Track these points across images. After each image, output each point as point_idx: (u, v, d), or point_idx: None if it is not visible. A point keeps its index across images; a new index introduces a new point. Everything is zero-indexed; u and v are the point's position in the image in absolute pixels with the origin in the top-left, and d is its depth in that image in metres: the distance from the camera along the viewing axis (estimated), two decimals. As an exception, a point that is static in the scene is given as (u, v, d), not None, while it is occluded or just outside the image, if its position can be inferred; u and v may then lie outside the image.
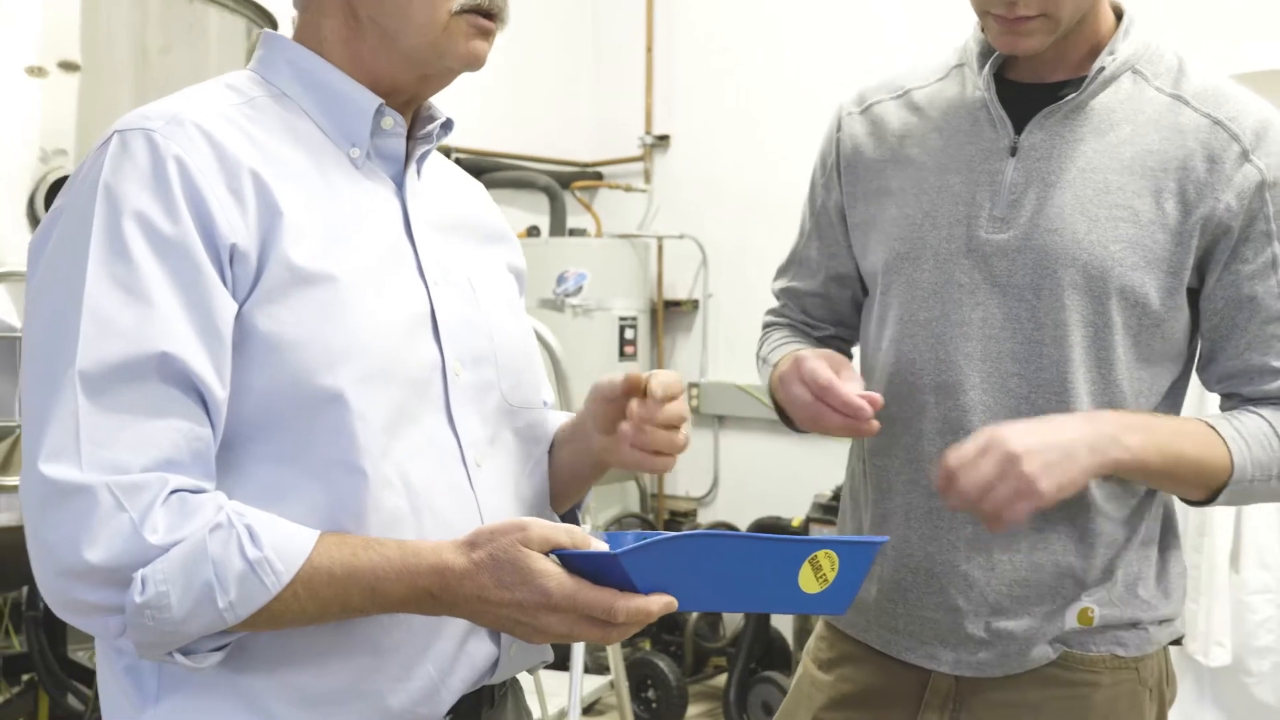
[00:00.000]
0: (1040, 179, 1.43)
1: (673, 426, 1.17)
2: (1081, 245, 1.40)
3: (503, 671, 1.20)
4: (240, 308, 1.04)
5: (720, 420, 4.64)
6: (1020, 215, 1.42)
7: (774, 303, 1.76)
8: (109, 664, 1.10)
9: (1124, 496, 1.45)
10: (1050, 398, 1.41)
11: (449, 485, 1.13)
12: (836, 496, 3.63)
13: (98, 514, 0.96)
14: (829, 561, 1.00)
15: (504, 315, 1.25)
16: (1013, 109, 1.47)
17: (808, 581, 1.00)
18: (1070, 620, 1.45)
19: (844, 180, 1.61)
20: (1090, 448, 1.31)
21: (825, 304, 1.69)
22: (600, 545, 1.00)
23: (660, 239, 4.79)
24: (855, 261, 1.61)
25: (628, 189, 4.90)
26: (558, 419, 1.36)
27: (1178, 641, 1.53)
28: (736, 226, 4.59)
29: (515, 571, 0.99)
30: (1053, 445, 1.29)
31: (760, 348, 1.72)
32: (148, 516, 0.97)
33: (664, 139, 4.89)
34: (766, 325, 1.75)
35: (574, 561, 0.98)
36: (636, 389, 1.17)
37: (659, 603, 0.98)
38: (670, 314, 4.82)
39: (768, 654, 3.88)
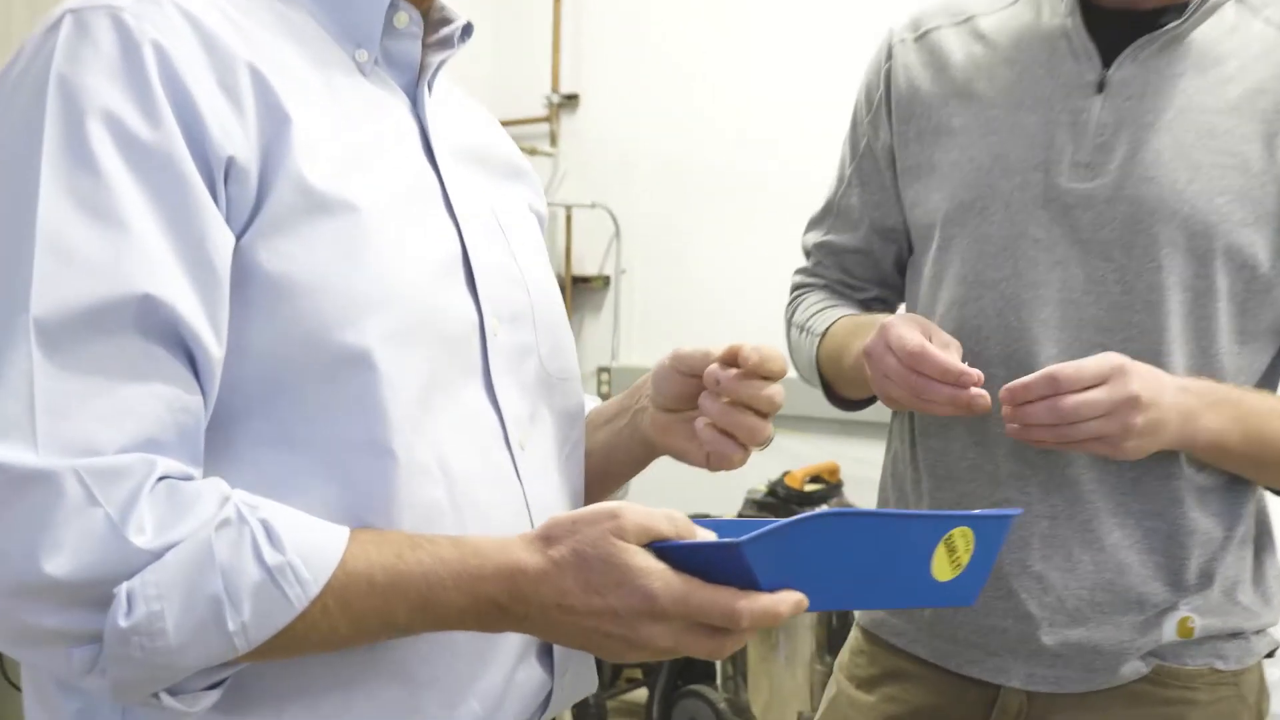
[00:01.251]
0: (1133, 120, 1.30)
1: (762, 414, 1.03)
2: (1183, 197, 1.28)
3: (555, 705, 1.02)
4: (237, 241, 0.85)
5: (636, 404, 4.43)
6: (1109, 161, 1.30)
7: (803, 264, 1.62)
8: (48, 707, 0.87)
9: (1222, 488, 1.34)
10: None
11: (492, 471, 0.97)
12: (773, 492, 3.50)
13: (61, 510, 0.76)
14: (964, 541, 0.89)
15: (538, 264, 1.10)
16: (1099, 39, 1.33)
17: (941, 566, 0.89)
18: (1169, 632, 1.33)
19: (895, 118, 1.46)
20: (1183, 419, 1.23)
21: (868, 261, 1.54)
22: (706, 534, 0.87)
23: (568, 208, 4.58)
24: (904, 213, 1.47)
25: (532, 152, 4.68)
26: (590, 399, 1.23)
27: (1272, 653, 1.42)
28: (654, 196, 4.39)
29: (609, 570, 0.83)
30: (1161, 405, 1.21)
31: (793, 313, 1.57)
32: (131, 511, 0.77)
33: (572, 98, 4.68)
34: (798, 287, 1.60)
35: (677, 555, 0.84)
36: (734, 357, 1.02)
37: (789, 602, 0.82)
38: (579, 290, 4.62)
39: (689, 666, 3.73)
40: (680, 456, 1.11)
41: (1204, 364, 1.30)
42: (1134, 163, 1.29)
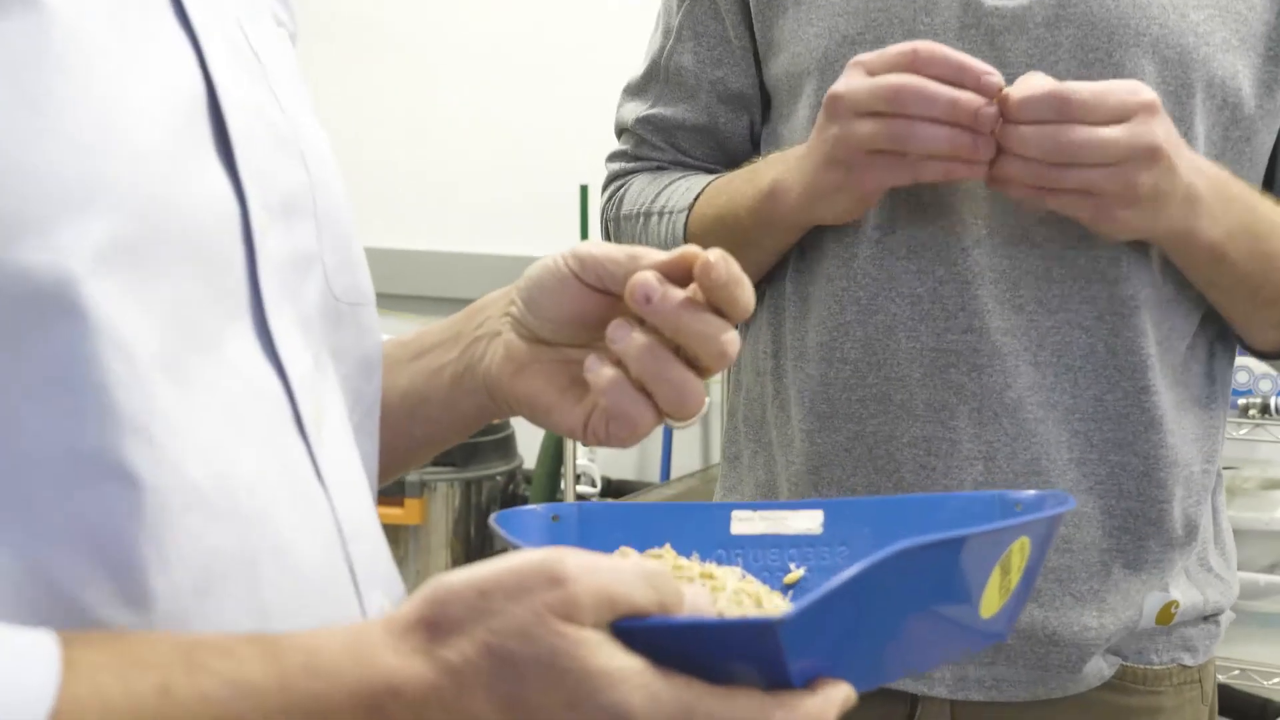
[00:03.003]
0: None
1: (702, 367, 0.72)
2: (1149, 13, 1.05)
3: None
4: None
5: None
6: None
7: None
8: None
9: (1201, 400, 1.14)
10: (1097, 253, 1.07)
11: (287, 476, 0.65)
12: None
13: None
14: (1020, 556, 0.65)
15: (305, 110, 0.76)
16: None
17: (990, 597, 0.65)
18: (1147, 616, 1.11)
19: None
20: (1188, 204, 1.01)
21: (710, 140, 1.24)
22: (699, 596, 0.59)
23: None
24: (759, 68, 1.20)
25: None
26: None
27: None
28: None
29: (553, 680, 0.53)
30: (1175, 173, 0.99)
31: (619, 206, 1.27)
32: None
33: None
34: (618, 176, 1.30)
35: (658, 639, 0.56)
36: (685, 271, 0.71)
37: (836, 701, 0.56)
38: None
39: None
40: (542, 417, 0.80)
41: None
42: None
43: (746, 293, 0.70)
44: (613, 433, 0.75)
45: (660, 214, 1.21)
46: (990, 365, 1.07)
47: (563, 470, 2.65)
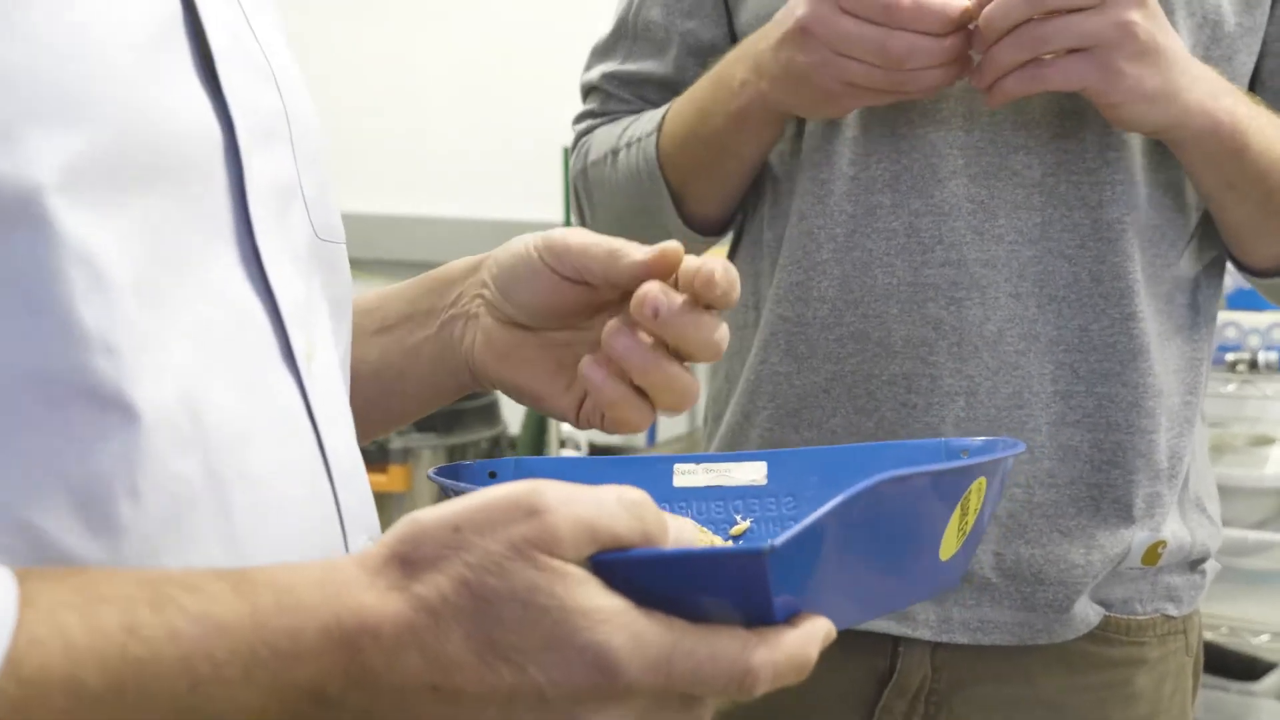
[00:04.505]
0: None
1: (689, 356, 0.73)
2: None
3: None
4: None
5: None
6: None
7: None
8: None
9: (1185, 329, 1.13)
10: (1079, 178, 1.07)
11: (272, 410, 0.64)
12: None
13: None
14: (977, 496, 0.64)
15: (276, 35, 0.74)
16: None
17: (949, 538, 0.64)
18: (1134, 555, 1.10)
19: None
20: (1199, 81, 1.00)
21: (679, 93, 1.22)
22: (680, 524, 0.57)
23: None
24: (729, 19, 1.19)
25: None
26: None
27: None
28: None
29: (530, 617, 0.51)
30: (1168, 51, 0.99)
31: (586, 154, 1.26)
32: None
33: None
34: (585, 132, 1.28)
35: (637, 572, 0.53)
36: (670, 268, 0.71)
37: (817, 636, 0.55)
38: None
39: None
40: (533, 404, 0.80)
41: (1161, 158, 1.09)
42: None
43: (738, 289, 0.71)
44: (609, 427, 0.76)
45: (628, 145, 1.19)
46: (969, 298, 1.07)
47: (547, 437, 2.65)
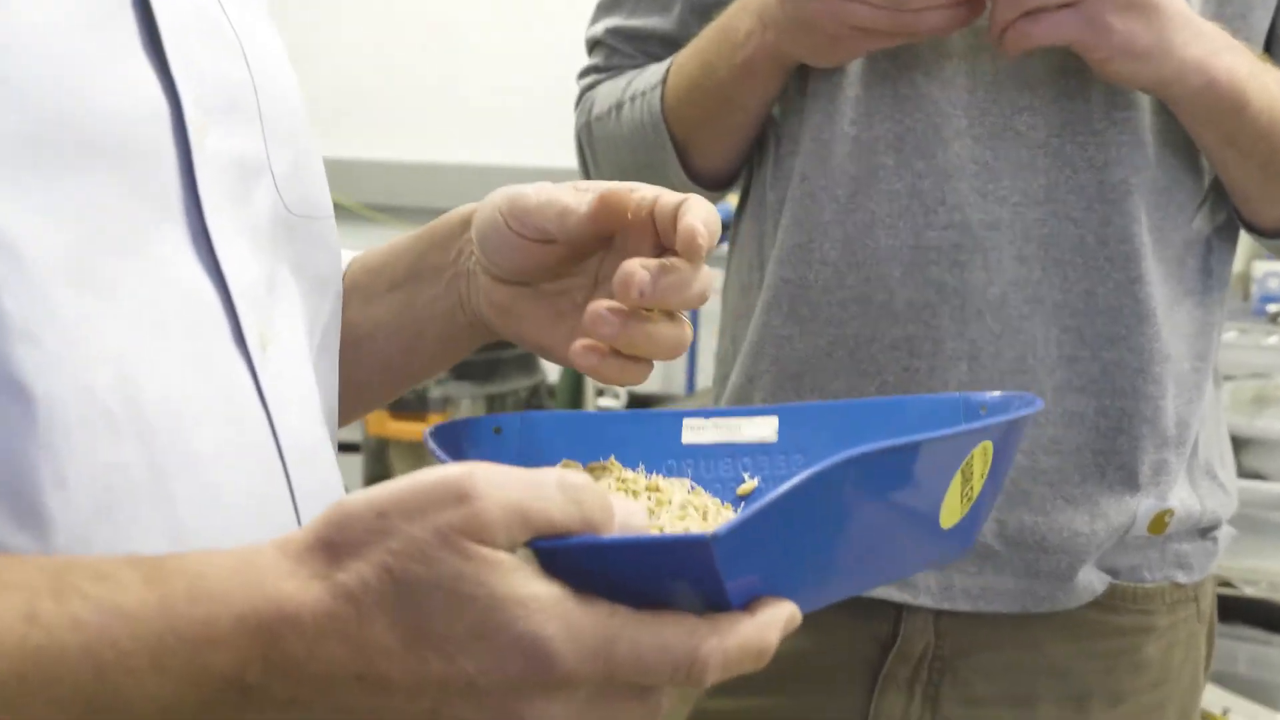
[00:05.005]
0: None
1: (675, 306, 0.71)
2: None
3: None
4: None
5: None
6: None
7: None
8: None
9: (1197, 293, 1.12)
10: (1085, 139, 1.06)
11: (216, 393, 0.63)
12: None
13: None
14: (982, 462, 0.62)
15: (251, 11, 0.74)
16: None
17: (951, 506, 0.62)
18: (1140, 523, 1.09)
19: None
20: (1199, 39, 1.00)
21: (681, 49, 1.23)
22: (631, 509, 0.54)
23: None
24: None
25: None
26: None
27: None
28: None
29: (458, 606, 0.50)
30: (1161, 5, 0.98)
31: (590, 108, 1.27)
32: None
33: None
34: (589, 89, 1.29)
35: (578, 560, 0.52)
36: (621, 212, 0.71)
37: (777, 622, 0.53)
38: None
39: None
40: (541, 351, 0.79)
41: (1169, 119, 1.07)
42: None
43: (719, 230, 0.70)
44: (609, 378, 0.75)
45: (632, 99, 1.20)
46: (971, 261, 1.07)
47: (584, 385, 2.67)
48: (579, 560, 0.51)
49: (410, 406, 2.55)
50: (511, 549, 0.50)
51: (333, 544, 0.51)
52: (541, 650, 0.49)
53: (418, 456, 2.36)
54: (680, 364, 2.97)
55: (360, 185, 3.09)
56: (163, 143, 0.62)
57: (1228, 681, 2.10)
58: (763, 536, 0.51)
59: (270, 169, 0.69)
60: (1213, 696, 2.05)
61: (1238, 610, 2.14)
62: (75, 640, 0.49)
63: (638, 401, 2.86)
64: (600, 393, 2.77)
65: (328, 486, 0.69)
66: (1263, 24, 1.10)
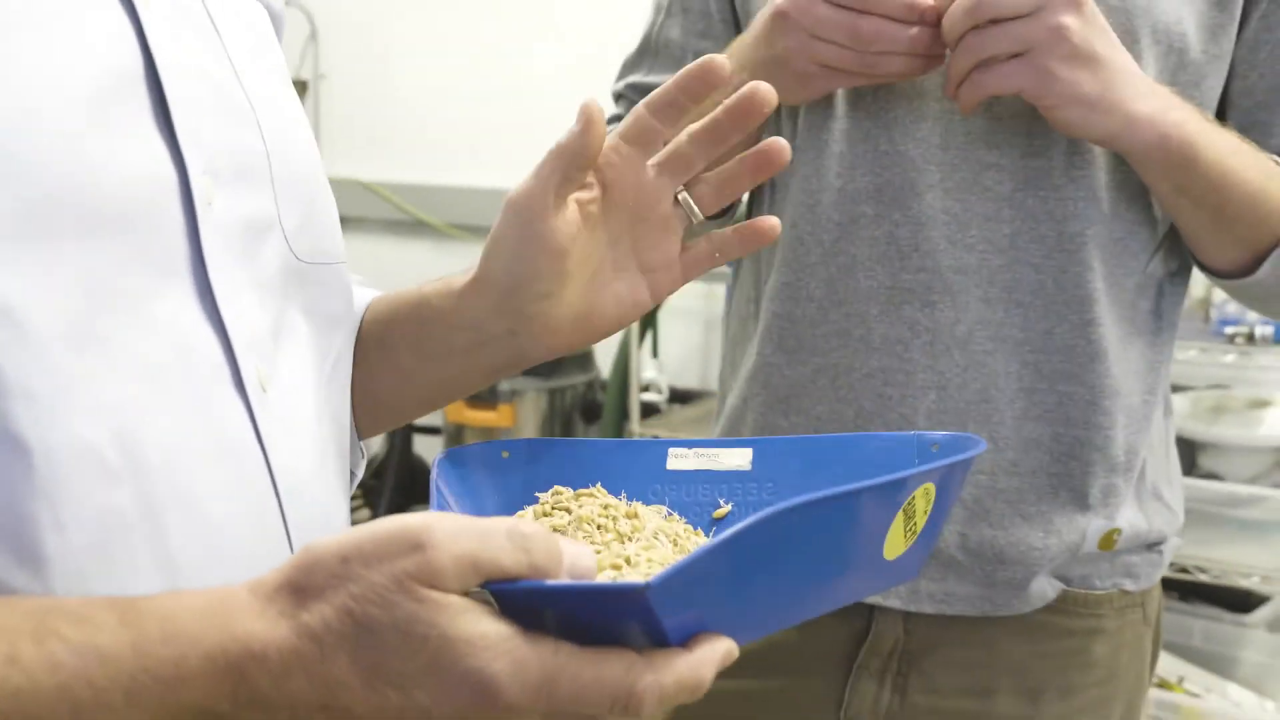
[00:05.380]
0: None
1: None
2: None
3: None
4: None
5: (342, 223, 3.95)
6: None
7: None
8: None
9: (1148, 333, 1.17)
10: (1046, 194, 1.11)
11: (214, 437, 0.65)
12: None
13: None
14: (925, 501, 0.66)
15: (271, 82, 0.77)
16: None
17: (895, 541, 0.66)
18: (1090, 541, 1.15)
19: None
20: (1148, 97, 1.02)
21: None
22: (578, 551, 0.57)
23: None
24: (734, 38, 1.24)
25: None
26: (362, 290, 0.90)
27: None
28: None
29: (412, 645, 0.53)
30: (1108, 60, 1.01)
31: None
32: None
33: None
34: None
35: (525, 601, 0.55)
36: (705, 88, 0.77)
37: (714, 658, 0.56)
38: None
39: (413, 482, 3.33)
40: (627, 320, 0.83)
41: (1125, 176, 1.11)
42: None
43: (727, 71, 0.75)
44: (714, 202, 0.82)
45: None
46: (942, 301, 1.12)
47: (629, 381, 2.76)
48: (529, 601, 0.55)
49: (482, 398, 2.82)
50: (463, 593, 0.53)
51: (299, 587, 0.54)
52: (488, 684, 0.53)
53: (489, 438, 2.50)
54: (715, 365, 3.16)
55: (450, 208, 3.43)
56: (169, 208, 0.64)
57: (1184, 653, 2.21)
58: (700, 580, 0.54)
59: (280, 224, 0.73)
60: (1170, 666, 2.16)
61: (1194, 592, 2.25)
62: (51, 681, 0.52)
63: (678, 396, 2.99)
64: (645, 388, 2.89)
65: (326, 513, 0.73)
66: (1215, 90, 1.13)
